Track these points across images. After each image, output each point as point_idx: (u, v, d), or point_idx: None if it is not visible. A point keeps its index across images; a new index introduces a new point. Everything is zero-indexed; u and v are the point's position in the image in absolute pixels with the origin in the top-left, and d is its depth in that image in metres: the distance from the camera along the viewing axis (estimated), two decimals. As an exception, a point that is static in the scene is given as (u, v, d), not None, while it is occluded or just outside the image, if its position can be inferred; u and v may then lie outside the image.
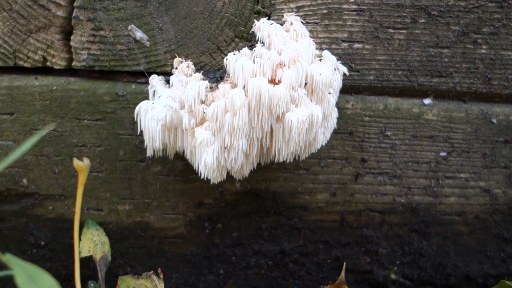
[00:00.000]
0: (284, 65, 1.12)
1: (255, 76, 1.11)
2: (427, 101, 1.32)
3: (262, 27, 1.17)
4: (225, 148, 1.14)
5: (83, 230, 1.35)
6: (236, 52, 1.17)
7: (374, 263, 1.43)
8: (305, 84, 1.14)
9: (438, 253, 1.43)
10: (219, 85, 1.17)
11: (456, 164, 1.37)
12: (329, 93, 1.18)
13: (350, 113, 1.33)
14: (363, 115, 1.33)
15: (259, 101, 1.10)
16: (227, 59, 1.17)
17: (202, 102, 1.15)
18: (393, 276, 1.44)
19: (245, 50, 1.15)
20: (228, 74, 1.18)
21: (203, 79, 1.18)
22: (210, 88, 1.17)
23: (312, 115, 1.14)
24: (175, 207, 1.38)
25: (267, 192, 1.38)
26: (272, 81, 1.13)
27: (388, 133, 1.34)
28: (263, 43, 1.16)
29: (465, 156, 1.36)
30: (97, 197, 1.37)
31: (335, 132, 1.28)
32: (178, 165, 1.34)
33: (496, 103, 1.34)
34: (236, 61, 1.14)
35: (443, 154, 1.36)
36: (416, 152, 1.36)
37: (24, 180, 1.34)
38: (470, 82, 1.30)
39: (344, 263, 1.29)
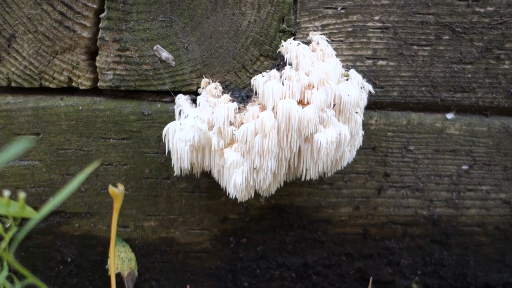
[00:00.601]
0: (313, 87, 1.13)
1: (285, 98, 1.12)
2: (449, 115, 1.33)
3: (290, 48, 1.17)
4: (254, 169, 1.15)
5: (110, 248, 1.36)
6: (264, 73, 1.17)
7: (396, 273, 1.45)
8: (334, 105, 1.14)
9: (459, 263, 1.44)
10: (247, 106, 1.17)
11: (478, 177, 1.38)
12: (356, 112, 1.18)
13: (373, 128, 1.33)
14: (386, 130, 1.33)
15: (289, 123, 1.11)
16: (255, 79, 1.17)
17: (231, 124, 1.15)
18: (414, 286, 1.46)
19: (274, 72, 1.15)
20: (256, 95, 1.18)
21: (231, 100, 1.18)
22: (238, 108, 1.17)
23: (340, 134, 1.15)
24: (200, 223, 1.39)
25: (291, 206, 1.39)
26: (301, 102, 1.14)
27: (411, 147, 1.34)
28: (290, 64, 1.16)
29: (487, 169, 1.37)
30: (122, 214, 1.37)
31: (359, 147, 1.28)
32: (203, 182, 1.35)
33: (518, 116, 1.35)
34: (265, 83, 1.14)
35: (465, 167, 1.36)
36: (439, 166, 1.36)
37: (51, 199, 1.34)
38: (492, 97, 1.31)
39: (371, 278, 1.31)
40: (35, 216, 0.84)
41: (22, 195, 0.83)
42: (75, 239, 1.38)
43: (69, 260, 1.40)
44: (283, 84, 1.12)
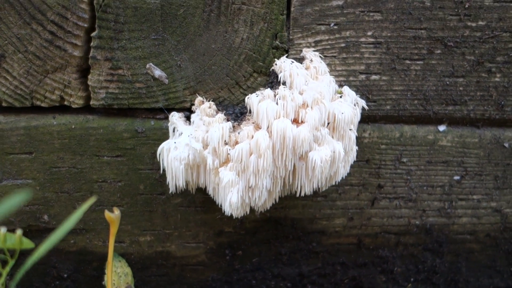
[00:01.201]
0: (307, 106, 1.12)
1: (279, 118, 1.12)
2: (441, 128, 1.34)
3: (283, 66, 1.16)
4: (250, 187, 1.15)
5: (106, 263, 1.36)
6: (258, 92, 1.16)
7: (390, 281, 1.47)
8: (328, 123, 1.14)
9: (451, 269, 1.47)
10: (242, 125, 1.17)
11: (469, 187, 1.39)
12: (350, 129, 1.18)
13: (367, 141, 1.34)
14: (379, 143, 1.34)
15: (283, 142, 1.11)
16: (249, 98, 1.17)
17: (226, 143, 1.14)
18: (407, 293, 1.48)
19: (268, 91, 1.14)
20: (250, 113, 1.18)
21: (225, 119, 1.17)
22: (232, 127, 1.17)
23: (334, 152, 1.15)
24: (196, 237, 1.39)
25: (286, 219, 1.39)
26: (295, 121, 1.14)
27: (404, 159, 1.35)
28: (284, 82, 1.16)
29: (478, 179, 1.39)
30: (118, 229, 1.36)
31: (352, 162, 1.29)
32: (198, 197, 1.35)
33: (508, 127, 1.35)
34: (260, 102, 1.13)
35: (456, 177, 1.38)
36: (431, 177, 1.38)
37: (45, 217, 1.33)
38: (483, 109, 1.31)
39: (366, 290, 1.32)
40: (32, 249, 0.84)
41: (18, 232, 0.82)
42: (71, 255, 1.38)
43: (65, 275, 1.40)
44: (277, 103, 1.12)
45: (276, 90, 1.14)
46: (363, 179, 1.37)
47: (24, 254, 1.31)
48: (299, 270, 1.44)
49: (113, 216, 1.04)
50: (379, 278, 1.46)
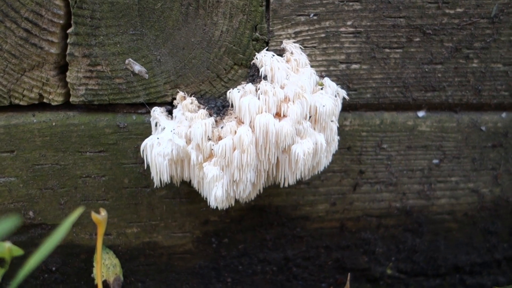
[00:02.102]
0: (289, 100, 1.13)
1: (261, 113, 1.12)
2: (421, 113, 1.36)
3: (264, 60, 1.16)
4: (234, 181, 1.16)
5: (94, 256, 1.37)
6: (240, 87, 1.16)
7: (372, 261, 1.52)
8: (309, 116, 1.15)
9: (430, 248, 1.52)
10: (224, 120, 1.17)
11: (448, 169, 1.43)
12: (332, 120, 1.20)
13: (348, 129, 1.35)
14: (360, 130, 1.36)
15: (266, 137, 1.11)
16: (230, 92, 1.17)
17: (209, 139, 1.15)
18: (389, 271, 1.53)
19: (250, 86, 1.14)
20: (231, 107, 1.18)
21: (208, 115, 1.17)
22: (215, 121, 1.17)
23: (316, 144, 1.17)
24: (182, 227, 1.41)
25: (270, 206, 1.42)
26: (278, 115, 1.14)
27: (385, 145, 1.37)
28: (265, 76, 1.16)
29: (456, 162, 1.42)
30: (104, 222, 1.37)
31: (334, 152, 1.31)
32: (183, 189, 1.36)
33: (485, 111, 1.38)
34: (241, 98, 1.13)
35: (435, 161, 1.41)
36: (411, 161, 1.41)
37: (30, 213, 1.33)
38: (461, 94, 1.34)
39: (349, 274, 1.36)
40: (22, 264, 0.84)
41: (7, 244, 0.82)
42: (58, 249, 1.39)
43: (53, 268, 1.41)
44: (259, 98, 1.12)
45: (258, 85, 1.14)
46: (345, 165, 1.39)
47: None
48: (284, 254, 1.48)
49: (100, 217, 1.04)
50: (361, 258, 1.51)
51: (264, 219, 1.43)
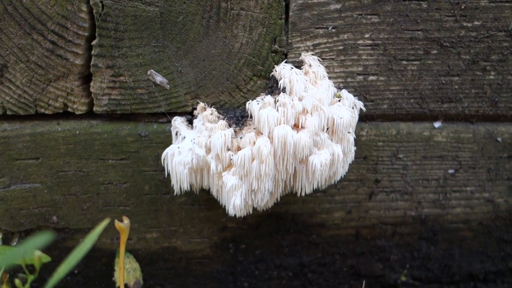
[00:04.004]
0: (307, 112, 1.13)
1: (280, 124, 1.13)
2: (437, 124, 1.35)
3: (283, 73, 1.16)
4: (252, 190, 1.17)
5: (115, 260, 1.39)
6: (259, 99, 1.17)
7: (386, 268, 1.51)
8: (327, 128, 1.16)
9: (445, 256, 1.51)
10: (243, 131, 1.18)
11: (463, 179, 1.42)
12: (349, 132, 1.20)
13: (364, 139, 1.35)
14: (377, 140, 1.35)
15: (284, 148, 1.12)
16: (249, 104, 1.18)
17: (228, 149, 1.16)
18: (403, 278, 1.53)
19: (268, 98, 1.15)
20: (250, 117, 1.19)
21: (227, 125, 1.18)
22: (234, 131, 1.18)
23: (333, 154, 1.17)
24: (201, 232, 1.42)
25: (286, 214, 1.42)
26: (296, 126, 1.15)
27: (400, 155, 1.37)
28: (284, 88, 1.16)
29: (471, 172, 1.41)
30: (125, 227, 1.39)
31: (351, 162, 1.31)
32: (202, 195, 1.37)
33: (501, 122, 1.37)
34: (260, 109, 1.14)
35: (451, 171, 1.40)
36: (426, 171, 1.40)
37: (54, 218, 1.35)
38: (478, 106, 1.33)
39: (364, 282, 1.36)
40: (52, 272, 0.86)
41: (37, 253, 0.84)
42: (80, 253, 1.41)
43: (76, 271, 1.43)
44: (277, 110, 1.13)
45: (276, 97, 1.15)
46: (361, 174, 1.39)
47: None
48: (300, 260, 1.48)
49: (123, 225, 1.06)
50: (376, 265, 1.51)
51: (281, 226, 1.43)
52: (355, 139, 1.30)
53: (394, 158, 1.37)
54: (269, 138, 1.13)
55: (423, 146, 1.37)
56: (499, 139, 1.37)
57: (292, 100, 1.13)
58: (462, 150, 1.38)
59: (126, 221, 1.07)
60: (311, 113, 1.13)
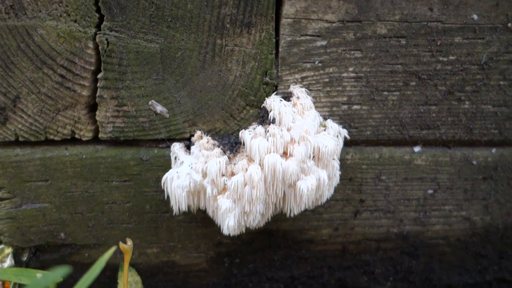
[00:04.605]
0: (295, 141, 1.23)
1: (270, 153, 1.22)
2: (416, 149, 1.45)
3: (273, 105, 1.26)
4: (245, 213, 1.26)
5: (118, 273, 1.48)
6: (250, 129, 1.26)
7: (371, 280, 1.61)
8: (313, 156, 1.25)
9: (425, 269, 1.60)
10: (236, 157, 1.27)
11: (441, 199, 1.51)
12: (333, 159, 1.29)
13: (350, 162, 1.45)
14: (361, 163, 1.45)
15: (274, 174, 1.21)
16: (242, 133, 1.27)
17: (223, 175, 1.25)
18: (387, 290, 1.62)
19: (259, 129, 1.24)
20: (243, 145, 1.28)
21: (222, 152, 1.27)
22: (228, 158, 1.28)
23: (319, 179, 1.26)
24: (198, 248, 1.51)
25: (278, 231, 1.52)
26: (285, 154, 1.24)
27: (383, 177, 1.47)
28: (274, 119, 1.26)
29: (449, 192, 1.51)
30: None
31: (336, 185, 1.40)
32: (199, 214, 1.46)
33: (476, 147, 1.46)
34: (252, 139, 1.23)
35: (430, 191, 1.50)
36: (407, 191, 1.49)
37: (62, 234, 1.45)
38: (454, 132, 1.42)
39: (349, 295, 1.46)
40: None
41: (54, 274, 0.93)
42: (86, 266, 1.50)
43: (81, 284, 1.52)
44: (268, 140, 1.22)
45: (267, 127, 1.24)
46: (347, 194, 1.49)
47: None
48: (290, 274, 1.58)
49: (127, 247, 1.15)
50: (361, 278, 1.60)
51: (273, 241, 1.53)
52: (341, 162, 1.40)
53: (377, 180, 1.46)
54: (260, 165, 1.22)
55: (404, 169, 1.46)
56: (474, 162, 1.47)
57: (281, 130, 1.22)
58: (440, 173, 1.48)
59: (129, 242, 1.16)
60: (299, 143, 1.22)
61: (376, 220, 1.52)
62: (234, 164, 1.25)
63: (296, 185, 1.24)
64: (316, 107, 1.33)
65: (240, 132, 1.27)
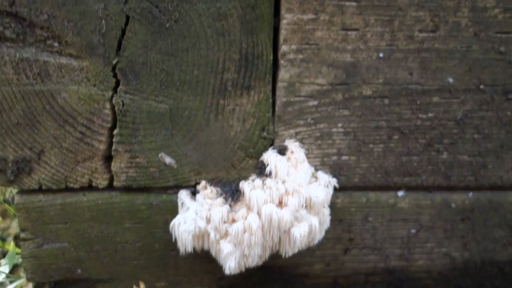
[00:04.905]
0: (288, 193, 1.37)
1: (266, 203, 1.37)
2: (400, 193, 1.59)
3: (270, 160, 1.40)
4: (245, 255, 1.41)
5: (130, 306, 1.63)
6: (250, 181, 1.41)
7: (360, 310, 1.75)
8: (305, 205, 1.40)
9: (410, 300, 1.75)
10: (237, 206, 1.42)
11: (424, 237, 1.66)
12: (324, 207, 1.44)
13: (340, 206, 1.59)
14: (350, 207, 1.59)
15: (270, 222, 1.36)
16: (242, 183, 1.42)
17: (225, 222, 1.40)
18: (375, 319, 1.76)
19: (257, 182, 1.39)
20: (243, 195, 1.43)
21: (224, 201, 1.42)
22: (230, 205, 1.42)
23: (311, 225, 1.41)
24: (202, 281, 1.66)
25: (275, 266, 1.66)
26: (280, 203, 1.39)
27: (370, 218, 1.61)
28: (270, 172, 1.40)
29: (431, 231, 1.65)
30: (138, 278, 1.63)
31: (327, 228, 1.54)
32: (204, 253, 1.60)
33: (454, 191, 1.61)
34: (251, 191, 1.38)
35: (413, 231, 1.64)
36: (392, 231, 1.64)
37: (79, 270, 1.59)
38: (434, 179, 1.57)
39: (339, 327, 1.60)
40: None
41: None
42: (100, 298, 1.65)
43: (95, 314, 1.67)
44: (264, 191, 1.37)
45: (264, 179, 1.39)
46: (337, 234, 1.63)
47: None
48: (286, 304, 1.72)
49: (139, 289, 1.30)
50: (352, 308, 1.74)
51: (270, 276, 1.67)
52: (332, 206, 1.54)
53: (365, 221, 1.61)
54: (258, 214, 1.37)
55: (389, 211, 1.61)
56: (453, 205, 1.61)
57: (277, 183, 1.37)
58: (422, 214, 1.62)
59: (142, 286, 1.31)
60: (292, 194, 1.37)
61: (364, 257, 1.67)
62: (235, 212, 1.40)
63: (290, 231, 1.38)
64: (308, 158, 1.48)
65: (241, 183, 1.42)
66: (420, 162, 1.53)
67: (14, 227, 2.61)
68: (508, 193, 1.61)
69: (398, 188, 1.58)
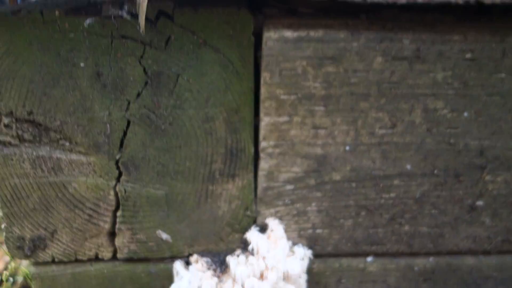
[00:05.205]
0: (268, 268, 1.59)
1: (249, 277, 1.58)
2: (369, 259, 1.80)
3: (252, 239, 1.62)
4: (232, 320, 1.62)
5: None
6: (235, 256, 1.62)
7: None
8: (284, 278, 1.61)
9: None
10: (224, 278, 1.63)
11: (391, 296, 1.87)
12: (300, 277, 1.65)
13: (316, 270, 1.80)
14: (325, 271, 1.81)
15: (253, 294, 1.57)
16: (228, 258, 1.63)
17: (214, 292, 1.61)
18: None
19: (241, 258, 1.60)
20: (229, 267, 1.64)
21: (213, 273, 1.64)
22: (218, 276, 1.64)
23: (289, 293, 1.62)
24: (195, 336, 1.87)
25: (260, 322, 1.87)
26: (262, 276, 1.60)
27: (343, 280, 1.82)
28: (252, 250, 1.62)
29: (397, 291, 1.87)
30: (139, 333, 1.84)
31: (307, 282, 1.75)
32: (196, 311, 1.82)
33: (416, 257, 1.82)
34: (236, 266, 1.60)
35: (381, 291, 1.86)
36: (363, 291, 1.85)
37: (87, 329, 1.80)
38: (398, 247, 1.78)
39: None
40: None
41: None
42: None
43: None
44: (247, 267, 1.58)
45: (247, 255, 1.60)
46: (314, 294, 1.84)
47: None
48: None
49: None
50: None
51: (255, 330, 1.88)
52: (309, 270, 1.75)
53: (338, 283, 1.82)
54: (242, 286, 1.58)
55: (360, 274, 1.82)
56: (416, 268, 1.82)
57: (258, 260, 1.58)
58: (389, 276, 1.83)
59: None
60: (271, 270, 1.58)
61: (339, 312, 1.88)
62: (223, 283, 1.61)
63: (271, 300, 1.60)
64: (287, 232, 1.69)
65: (227, 258, 1.63)
66: (385, 233, 1.75)
67: (25, 265, 2.83)
68: (464, 257, 1.83)
69: (367, 255, 1.80)
